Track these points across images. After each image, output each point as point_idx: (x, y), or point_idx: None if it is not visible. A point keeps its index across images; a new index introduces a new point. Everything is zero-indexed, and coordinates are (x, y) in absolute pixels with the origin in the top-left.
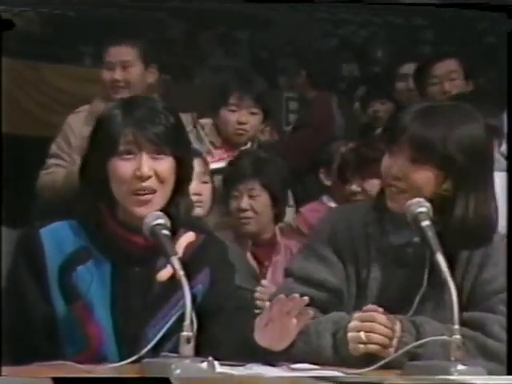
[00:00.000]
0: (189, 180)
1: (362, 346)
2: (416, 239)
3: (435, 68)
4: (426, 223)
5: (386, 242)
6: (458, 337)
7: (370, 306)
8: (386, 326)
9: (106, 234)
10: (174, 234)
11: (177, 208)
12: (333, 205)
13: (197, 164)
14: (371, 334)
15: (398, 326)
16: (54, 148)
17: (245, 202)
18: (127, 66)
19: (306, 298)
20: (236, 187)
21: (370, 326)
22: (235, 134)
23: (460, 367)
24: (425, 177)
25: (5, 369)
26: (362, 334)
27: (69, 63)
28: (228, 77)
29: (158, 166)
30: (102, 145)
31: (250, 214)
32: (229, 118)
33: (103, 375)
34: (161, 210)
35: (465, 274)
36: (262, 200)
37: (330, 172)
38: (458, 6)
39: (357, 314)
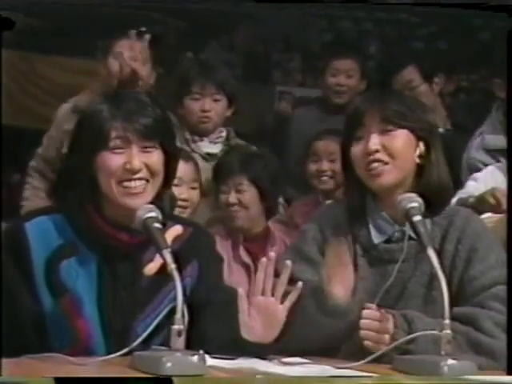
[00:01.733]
0: (174, 174)
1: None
2: (398, 234)
3: (395, 81)
4: (417, 218)
5: (369, 240)
6: (448, 331)
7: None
8: (376, 321)
9: (92, 229)
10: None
11: (162, 202)
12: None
13: (188, 169)
14: (364, 332)
15: (390, 323)
16: (46, 135)
17: (232, 197)
18: (144, 62)
19: (287, 273)
20: (225, 182)
21: (362, 324)
22: (200, 122)
23: (450, 362)
24: (400, 142)
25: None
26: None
27: (60, 55)
28: (189, 66)
29: (149, 159)
30: (89, 140)
31: (237, 208)
32: (192, 106)
33: (104, 375)
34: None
35: (452, 270)
36: (250, 194)
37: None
38: (459, 6)
39: None
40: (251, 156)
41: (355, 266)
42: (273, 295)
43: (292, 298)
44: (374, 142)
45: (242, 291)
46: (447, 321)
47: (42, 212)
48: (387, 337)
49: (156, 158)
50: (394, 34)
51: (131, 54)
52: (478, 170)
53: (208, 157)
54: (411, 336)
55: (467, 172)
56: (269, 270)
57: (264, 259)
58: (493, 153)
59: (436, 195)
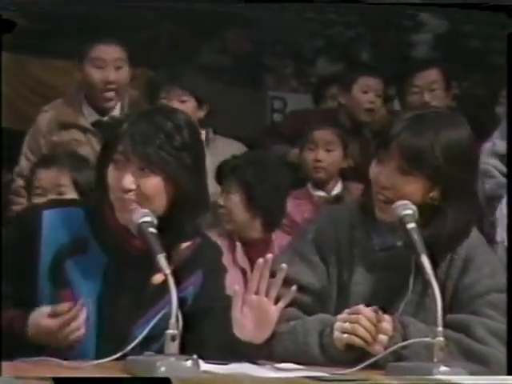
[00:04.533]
0: (184, 202)
1: (345, 335)
2: (399, 243)
3: (416, 78)
4: (411, 226)
5: (369, 245)
6: (441, 339)
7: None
8: (370, 321)
9: (108, 229)
10: (170, 248)
11: (166, 227)
12: (317, 193)
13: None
14: (355, 325)
15: (389, 324)
16: (25, 149)
17: (221, 199)
18: (120, 67)
19: (282, 275)
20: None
21: (355, 318)
22: None
23: (442, 368)
24: (413, 186)
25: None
26: (348, 324)
27: (55, 57)
28: (156, 73)
29: (142, 183)
30: (106, 148)
31: (223, 211)
32: None
33: (100, 375)
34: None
35: (447, 278)
36: (236, 199)
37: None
38: (457, 6)
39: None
40: (244, 161)
41: (351, 270)
42: (267, 296)
43: (286, 300)
44: (387, 177)
45: (238, 288)
46: (440, 328)
47: (64, 203)
48: (384, 338)
49: (151, 183)
50: (389, 39)
51: (107, 58)
52: (492, 175)
53: None
54: (405, 343)
55: (481, 177)
56: (265, 271)
57: (261, 260)
58: (503, 158)
59: (448, 237)
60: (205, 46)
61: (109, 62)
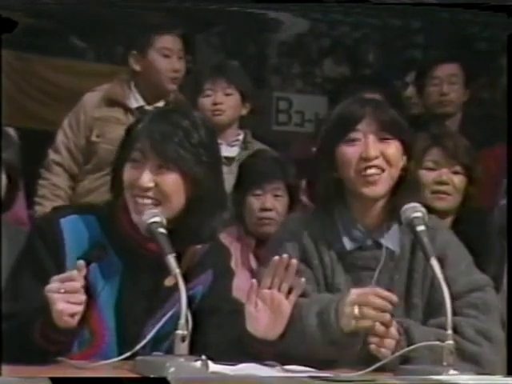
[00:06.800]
0: (201, 200)
1: (353, 321)
2: (369, 242)
3: (437, 69)
4: (421, 228)
5: (342, 246)
6: (450, 342)
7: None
8: (381, 298)
9: (122, 235)
10: (180, 252)
11: (183, 226)
12: None
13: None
14: (365, 308)
15: (395, 329)
16: (65, 124)
17: (269, 202)
18: (181, 57)
19: (294, 269)
20: (260, 185)
21: (365, 300)
22: (213, 116)
23: (452, 372)
24: (395, 150)
25: (4, 368)
26: (356, 309)
27: (59, 56)
28: (199, 67)
29: (161, 179)
30: (122, 149)
31: (272, 214)
32: (205, 103)
33: (101, 375)
34: (169, 229)
35: (424, 276)
36: (284, 201)
37: None
38: (458, 6)
39: (354, 290)
40: (287, 162)
41: (333, 271)
42: (279, 290)
43: (297, 292)
44: (374, 147)
45: (255, 282)
46: (450, 331)
47: (76, 211)
48: (392, 342)
49: (169, 180)
50: (393, 40)
51: (173, 48)
52: None
53: (226, 161)
54: (416, 345)
55: None
56: (279, 269)
57: (276, 257)
58: None
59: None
60: (208, 42)
61: (174, 52)
